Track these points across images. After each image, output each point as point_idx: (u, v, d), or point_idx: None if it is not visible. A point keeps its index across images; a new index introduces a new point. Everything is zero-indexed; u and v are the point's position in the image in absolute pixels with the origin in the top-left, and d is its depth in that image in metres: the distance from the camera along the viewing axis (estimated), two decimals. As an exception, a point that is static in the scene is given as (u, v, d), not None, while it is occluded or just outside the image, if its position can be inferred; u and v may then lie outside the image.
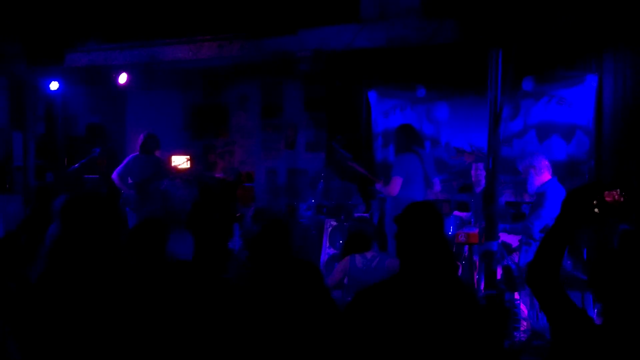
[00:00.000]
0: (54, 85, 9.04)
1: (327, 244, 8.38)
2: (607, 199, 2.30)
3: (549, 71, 8.54)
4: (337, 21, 6.55)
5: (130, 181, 8.06)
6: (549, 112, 8.62)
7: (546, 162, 6.33)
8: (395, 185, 6.81)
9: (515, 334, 5.54)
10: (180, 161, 9.63)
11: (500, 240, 6.01)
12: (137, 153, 8.19)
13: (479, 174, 7.82)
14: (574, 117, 8.40)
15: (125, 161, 8.22)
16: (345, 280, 5.03)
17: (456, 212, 7.82)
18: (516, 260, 6.29)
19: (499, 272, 5.75)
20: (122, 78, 9.24)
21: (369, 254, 4.82)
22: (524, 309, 5.88)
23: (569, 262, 6.02)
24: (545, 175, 6.26)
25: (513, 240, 6.91)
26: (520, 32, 5.87)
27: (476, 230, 6.31)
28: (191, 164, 9.07)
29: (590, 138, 8.25)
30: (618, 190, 2.31)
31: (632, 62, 7.91)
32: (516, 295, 5.68)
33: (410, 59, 8.59)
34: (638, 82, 7.83)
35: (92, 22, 8.11)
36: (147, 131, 8.30)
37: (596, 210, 2.34)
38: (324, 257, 8.35)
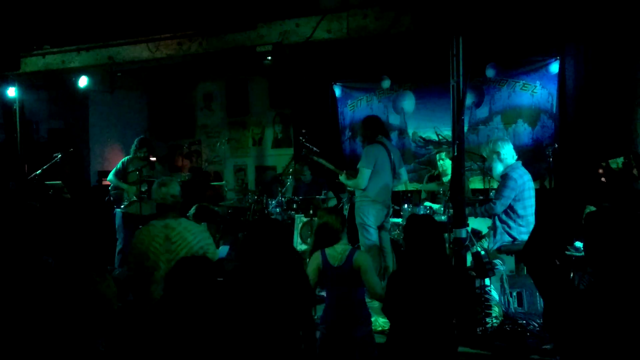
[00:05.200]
0: (11, 92, 8.84)
1: (299, 240, 8.32)
2: (612, 163, 2.28)
3: (511, 57, 8.58)
4: (297, 14, 6.47)
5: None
6: (513, 98, 8.67)
7: (510, 148, 6.36)
8: (364, 177, 6.77)
9: (487, 319, 5.53)
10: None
11: (469, 228, 6.02)
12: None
13: (444, 164, 7.83)
14: (538, 101, 8.46)
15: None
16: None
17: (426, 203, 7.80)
18: (485, 246, 6.29)
19: (469, 259, 5.74)
20: (83, 81, 9.08)
21: (339, 247, 4.72)
22: (494, 294, 5.88)
23: None
24: (509, 160, 6.30)
25: (482, 226, 6.93)
26: (480, 18, 5.86)
27: (446, 219, 6.30)
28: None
29: (555, 122, 8.30)
30: (622, 158, 2.30)
31: (593, 46, 7.97)
32: (487, 282, 5.67)
33: (372, 49, 8.56)
34: (599, 65, 7.89)
35: (46, 24, 7.93)
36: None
37: (603, 179, 2.33)
38: (295, 253, 8.29)
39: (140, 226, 7.79)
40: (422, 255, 4.01)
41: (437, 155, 7.96)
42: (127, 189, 8.30)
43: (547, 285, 2.54)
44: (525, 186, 6.14)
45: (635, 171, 2.44)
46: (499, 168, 6.28)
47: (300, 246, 8.28)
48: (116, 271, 8.07)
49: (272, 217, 8.48)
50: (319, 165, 8.40)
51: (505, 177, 6.16)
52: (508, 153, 6.28)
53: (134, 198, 8.13)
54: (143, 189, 7.99)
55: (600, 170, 2.38)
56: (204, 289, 3.32)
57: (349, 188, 7.63)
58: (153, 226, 4.67)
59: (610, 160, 2.39)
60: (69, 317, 3.16)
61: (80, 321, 3.20)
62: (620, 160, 2.34)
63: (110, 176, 8.55)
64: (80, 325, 3.19)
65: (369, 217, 6.78)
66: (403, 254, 4.39)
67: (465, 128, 6.27)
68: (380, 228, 6.91)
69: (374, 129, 7.01)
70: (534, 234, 2.62)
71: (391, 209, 7.08)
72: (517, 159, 6.35)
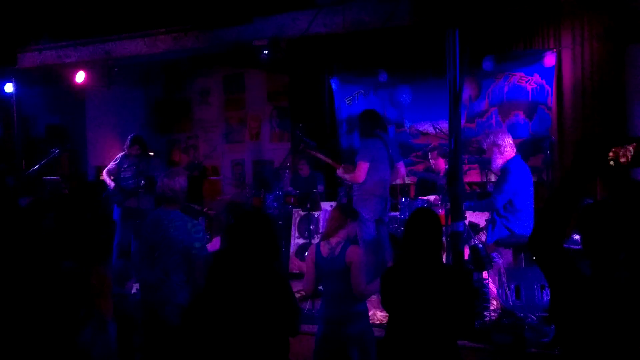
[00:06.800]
0: (8, 87, 8.83)
1: (296, 234, 8.32)
2: (622, 157, 2.27)
3: (508, 50, 8.58)
4: (293, 7, 6.47)
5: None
6: (510, 91, 8.66)
7: (510, 140, 6.34)
8: (362, 171, 6.75)
9: (485, 313, 5.54)
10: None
11: (467, 221, 6.01)
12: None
13: (437, 163, 7.83)
14: (534, 94, 8.45)
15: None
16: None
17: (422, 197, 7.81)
18: (483, 239, 6.29)
19: (467, 252, 5.74)
20: (80, 77, 9.07)
21: (333, 240, 4.72)
22: (492, 288, 5.88)
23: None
24: (509, 153, 6.27)
25: (480, 220, 6.93)
26: (476, 10, 5.85)
27: (442, 212, 6.30)
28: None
29: (552, 114, 8.30)
30: (634, 144, 2.29)
31: (589, 38, 7.97)
32: (484, 275, 5.67)
33: (368, 43, 8.55)
34: (595, 57, 7.90)
35: (43, 20, 7.91)
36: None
37: (612, 162, 2.32)
38: (293, 248, 8.30)
39: (137, 220, 7.90)
40: (421, 248, 3.87)
41: (429, 154, 7.98)
42: (114, 187, 8.37)
43: (554, 272, 2.52)
44: (524, 180, 6.13)
45: None
46: (498, 161, 6.25)
47: (297, 240, 8.29)
48: (113, 264, 8.09)
49: (269, 211, 8.48)
50: (316, 160, 8.40)
51: (505, 170, 6.13)
52: (508, 146, 6.24)
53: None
54: (140, 184, 8.03)
55: (611, 154, 2.34)
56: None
57: (346, 182, 7.63)
58: (149, 216, 4.85)
59: (619, 147, 2.35)
60: (57, 310, 3.17)
61: (67, 314, 3.21)
62: (631, 148, 2.30)
63: (104, 172, 8.61)
64: (68, 318, 3.20)
65: (367, 211, 6.77)
66: (399, 246, 4.31)
67: (462, 121, 6.27)
68: (379, 222, 6.90)
69: (371, 123, 6.99)
70: (539, 221, 2.60)
71: (389, 203, 7.07)
72: (516, 152, 6.33)
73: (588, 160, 2.39)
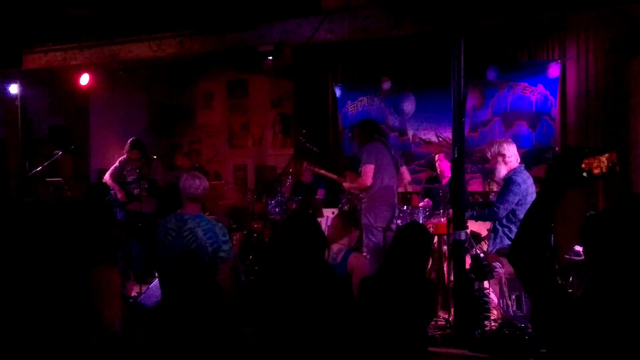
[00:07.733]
0: (13, 88, 8.85)
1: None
2: (595, 169, 2.27)
3: (512, 60, 8.58)
4: (299, 14, 6.49)
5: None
6: (514, 101, 8.64)
7: (514, 150, 6.29)
8: (368, 175, 6.68)
9: (485, 322, 5.53)
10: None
11: (469, 230, 5.99)
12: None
13: (442, 165, 7.81)
14: (538, 105, 8.43)
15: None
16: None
17: (423, 204, 7.80)
18: (485, 249, 6.27)
19: (468, 261, 5.72)
20: (84, 79, 9.08)
21: (335, 247, 4.71)
22: (493, 297, 5.87)
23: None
24: (513, 163, 6.22)
25: (482, 229, 6.91)
26: (482, 20, 5.86)
27: (444, 221, 6.29)
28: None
29: (555, 125, 8.30)
30: (607, 155, 2.29)
31: (593, 50, 7.98)
32: (485, 284, 5.66)
33: (373, 50, 8.56)
34: (600, 69, 7.91)
35: (49, 22, 7.94)
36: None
37: (585, 174, 2.31)
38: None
39: (139, 224, 7.89)
40: (402, 263, 3.91)
41: (436, 156, 7.96)
42: (120, 190, 8.32)
43: (534, 285, 2.51)
44: (528, 191, 6.09)
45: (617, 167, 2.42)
46: (502, 171, 6.20)
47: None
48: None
49: (271, 216, 8.47)
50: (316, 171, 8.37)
51: (509, 181, 6.08)
52: (513, 156, 6.20)
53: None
54: (142, 187, 8.04)
55: (584, 165, 2.34)
56: (195, 286, 3.34)
57: (356, 192, 7.56)
58: (169, 219, 4.69)
59: (592, 158, 2.34)
60: (63, 313, 3.18)
61: (73, 317, 3.21)
62: (604, 159, 2.30)
63: (107, 176, 8.51)
64: (74, 321, 3.21)
65: (376, 219, 6.70)
66: (386, 255, 4.31)
67: (466, 130, 6.24)
68: (386, 230, 6.85)
69: (370, 130, 6.97)
70: (518, 232, 2.60)
71: (397, 210, 7.01)
72: (520, 163, 6.29)
73: (562, 172, 2.38)
